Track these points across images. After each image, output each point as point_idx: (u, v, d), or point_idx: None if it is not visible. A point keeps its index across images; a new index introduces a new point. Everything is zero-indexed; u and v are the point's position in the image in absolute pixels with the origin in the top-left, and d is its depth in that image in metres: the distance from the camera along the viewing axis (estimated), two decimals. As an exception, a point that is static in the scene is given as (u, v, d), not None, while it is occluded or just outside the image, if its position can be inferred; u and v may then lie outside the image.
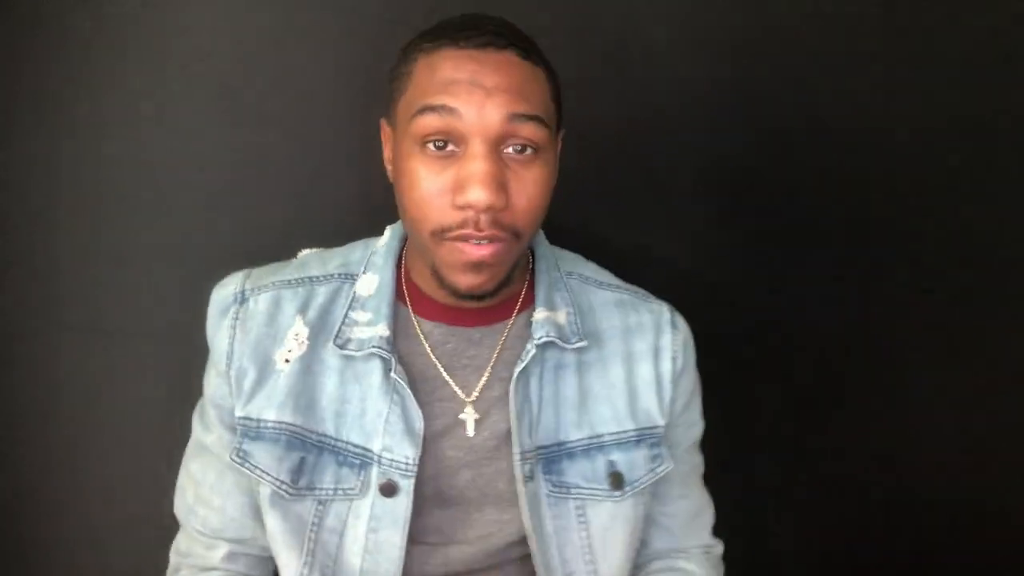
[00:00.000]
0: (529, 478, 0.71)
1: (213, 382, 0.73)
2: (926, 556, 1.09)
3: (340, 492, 0.69)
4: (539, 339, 0.72)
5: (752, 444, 1.08)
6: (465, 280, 0.65)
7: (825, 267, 1.03)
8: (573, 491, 0.72)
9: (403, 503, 0.69)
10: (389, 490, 0.69)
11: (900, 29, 0.99)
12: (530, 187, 0.64)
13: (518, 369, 0.71)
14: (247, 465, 0.69)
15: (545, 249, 0.80)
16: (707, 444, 1.06)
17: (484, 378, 0.73)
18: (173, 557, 0.77)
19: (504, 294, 0.73)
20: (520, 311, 0.76)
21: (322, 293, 0.74)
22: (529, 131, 0.63)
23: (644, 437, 0.75)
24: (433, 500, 0.71)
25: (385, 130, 0.72)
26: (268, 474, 0.69)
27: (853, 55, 0.99)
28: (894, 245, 1.03)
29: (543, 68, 0.68)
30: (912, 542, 1.09)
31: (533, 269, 0.78)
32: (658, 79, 0.99)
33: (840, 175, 1.01)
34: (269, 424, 0.69)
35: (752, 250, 1.03)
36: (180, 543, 0.77)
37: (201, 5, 0.92)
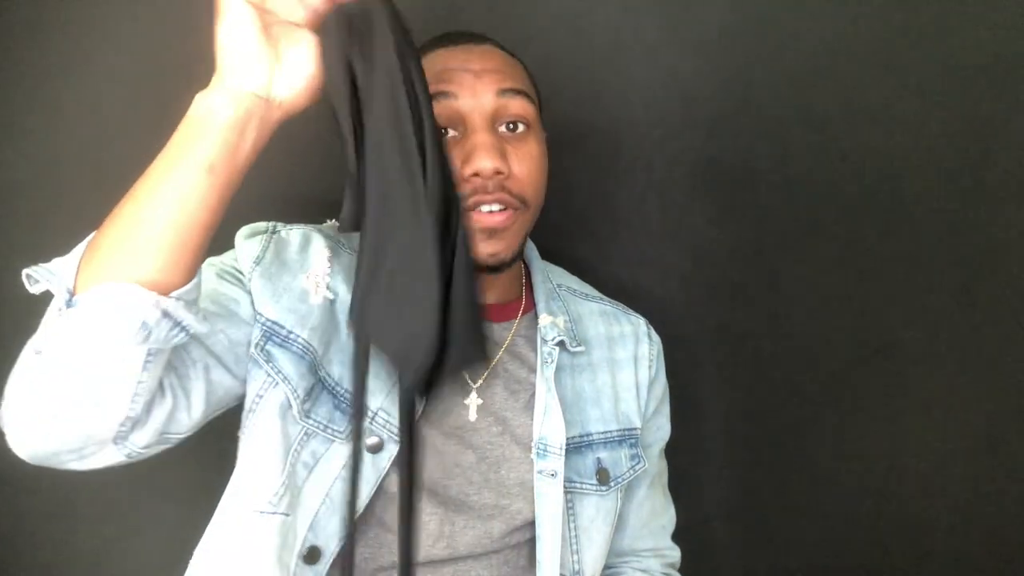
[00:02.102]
0: (540, 471, 0.74)
1: (228, 261, 0.72)
2: (925, 557, 1.10)
3: (329, 430, 0.70)
4: (554, 339, 0.78)
5: (752, 444, 1.08)
6: (484, 247, 0.72)
7: (825, 267, 1.03)
8: (566, 484, 0.76)
9: (382, 463, 0.70)
10: (375, 447, 0.70)
11: (899, 29, 0.99)
12: (527, 159, 0.73)
13: (551, 369, 0.77)
14: (271, 365, 0.68)
15: (538, 263, 0.87)
16: (707, 443, 1.07)
17: (491, 367, 0.77)
18: None
19: (507, 297, 0.81)
20: (523, 314, 0.82)
21: (346, 259, 0.76)
22: (518, 106, 0.72)
23: (625, 437, 0.81)
24: (438, 483, 0.73)
25: None
26: (289, 382, 0.68)
27: (852, 55, 0.99)
28: (894, 245, 1.03)
29: (524, 68, 0.77)
30: (910, 542, 1.09)
31: (530, 280, 0.85)
32: (657, 79, 0.99)
33: (839, 175, 1.01)
34: (300, 340, 0.70)
35: (752, 250, 1.03)
36: None
37: (202, 5, 0.92)
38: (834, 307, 1.04)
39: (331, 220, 0.82)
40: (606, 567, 0.85)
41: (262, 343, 0.69)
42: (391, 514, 0.71)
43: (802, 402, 1.06)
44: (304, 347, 0.70)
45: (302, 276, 0.72)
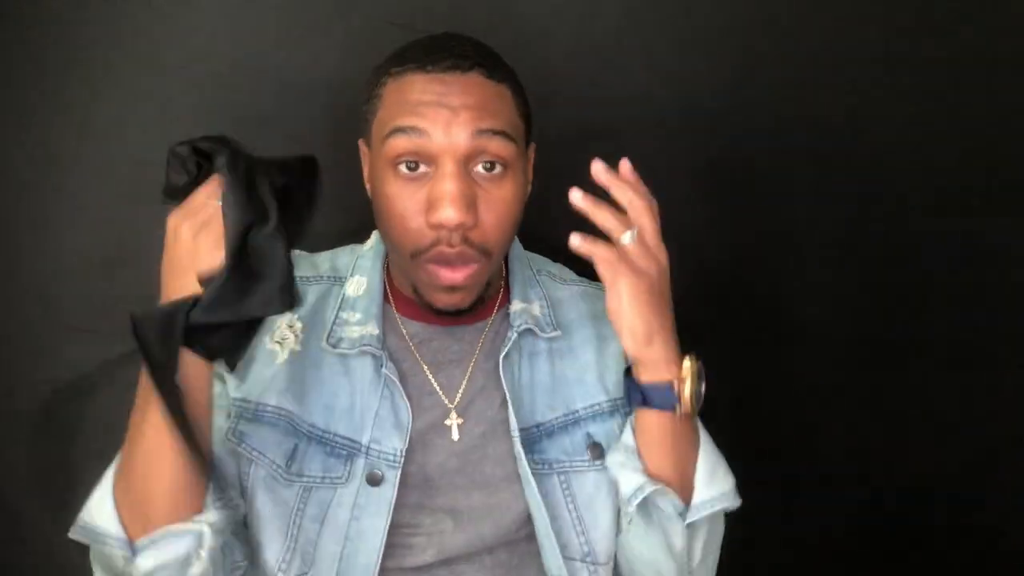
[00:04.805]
0: (520, 458, 0.73)
1: None
2: (926, 556, 1.10)
3: (327, 480, 0.71)
4: (519, 327, 0.76)
5: (752, 444, 1.08)
6: (441, 299, 0.70)
7: (825, 267, 1.03)
8: (556, 466, 0.75)
9: (388, 492, 0.70)
10: (375, 480, 0.71)
11: (900, 28, 0.99)
12: (499, 205, 0.69)
13: (502, 354, 0.75)
14: (244, 445, 0.70)
15: (519, 252, 0.84)
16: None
17: (468, 373, 0.76)
18: None
19: (484, 297, 0.77)
20: (499, 309, 0.80)
21: (312, 292, 0.77)
22: (497, 146, 0.67)
23: (616, 408, 0.79)
24: (422, 489, 0.73)
25: (363, 149, 0.76)
26: (265, 456, 0.70)
27: (853, 55, 0.99)
28: (894, 245, 1.03)
29: (509, 86, 0.71)
30: (911, 542, 1.09)
31: (508, 270, 0.83)
32: (657, 79, 0.99)
33: (839, 175, 1.01)
34: (269, 408, 0.71)
35: (752, 250, 1.03)
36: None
37: (201, 5, 0.92)
38: (835, 307, 1.04)
39: (294, 251, 0.81)
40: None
41: (234, 424, 0.71)
42: (426, 553, 0.73)
43: (802, 402, 1.06)
44: (275, 413, 0.71)
45: (266, 338, 0.73)
